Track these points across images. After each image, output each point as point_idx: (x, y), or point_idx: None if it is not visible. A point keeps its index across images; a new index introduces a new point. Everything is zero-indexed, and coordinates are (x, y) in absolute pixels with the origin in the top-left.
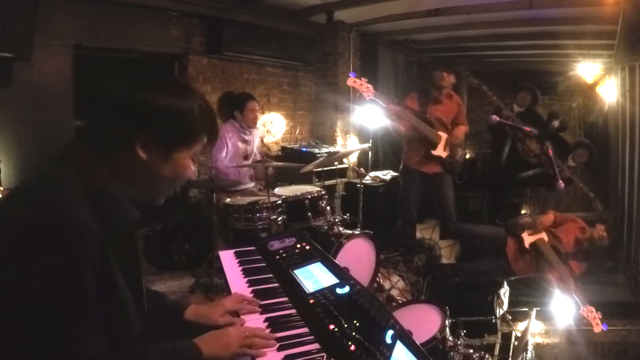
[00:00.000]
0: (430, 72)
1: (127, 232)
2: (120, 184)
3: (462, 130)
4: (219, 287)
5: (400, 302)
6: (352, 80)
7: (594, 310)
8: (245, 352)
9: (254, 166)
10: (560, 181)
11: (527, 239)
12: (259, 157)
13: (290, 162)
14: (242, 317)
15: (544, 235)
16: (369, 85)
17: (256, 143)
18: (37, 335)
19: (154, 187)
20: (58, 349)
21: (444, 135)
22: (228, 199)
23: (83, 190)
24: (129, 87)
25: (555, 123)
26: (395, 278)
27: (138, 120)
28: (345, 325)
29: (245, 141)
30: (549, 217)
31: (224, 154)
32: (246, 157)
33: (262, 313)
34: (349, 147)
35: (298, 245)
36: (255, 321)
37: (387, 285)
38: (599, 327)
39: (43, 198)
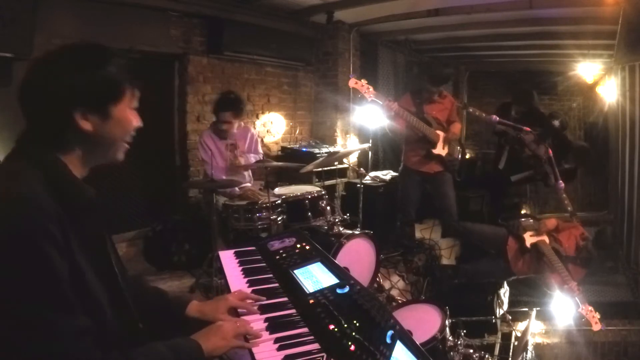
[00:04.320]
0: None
1: (93, 220)
2: (80, 161)
3: (457, 127)
4: (219, 287)
5: (400, 302)
6: (353, 82)
7: (592, 309)
8: (241, 345)
9: (252, 166)
10: (560, 181)
11: (529, 239)
12: (260, 157)
13: (290, 162)
14: (242, 317)
15: (545, 238)
16: (369, 87)
17: (252, 142)
18: (14, 319)
19: (112, 148)
20: (41, 328)
21: (441, 134)
22: (227, 199)
23: (38, 177)
24: (47, 76)
25: (555, 123)
26: (395, 278)
27: (65, 100)
28: (345, 325)
29: (229, 146)
30: (552, 222)
31: (209, 162)
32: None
33: (262, 313)
34: (349, 147)
35: (298, 245)
36: (255, 321)
37: (387, 285)
38: (597, 325)
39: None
